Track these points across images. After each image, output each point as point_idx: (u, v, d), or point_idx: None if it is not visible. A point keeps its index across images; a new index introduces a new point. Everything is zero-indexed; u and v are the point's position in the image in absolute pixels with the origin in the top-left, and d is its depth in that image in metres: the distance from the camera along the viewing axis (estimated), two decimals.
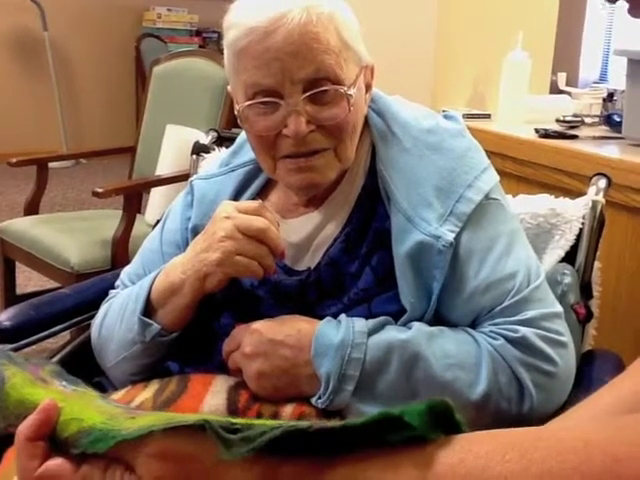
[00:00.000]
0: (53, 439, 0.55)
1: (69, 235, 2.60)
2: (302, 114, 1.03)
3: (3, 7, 5.78)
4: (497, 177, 1.14)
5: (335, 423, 0.50)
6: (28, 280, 3.30)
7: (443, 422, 0.50)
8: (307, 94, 1.03)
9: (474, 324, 1.07)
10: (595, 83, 4.70)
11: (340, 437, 0.49)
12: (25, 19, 5.89)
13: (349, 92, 1.05)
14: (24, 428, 0.55)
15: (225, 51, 1.09)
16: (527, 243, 1.14)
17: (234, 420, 0.52)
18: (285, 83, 1.02)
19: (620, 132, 2.00)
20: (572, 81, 3.91)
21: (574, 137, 2.01)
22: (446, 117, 1.18)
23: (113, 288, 1.28)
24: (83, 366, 1.14)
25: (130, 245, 2.50)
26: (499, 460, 0.45)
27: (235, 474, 0.49)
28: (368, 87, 1.13)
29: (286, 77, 1.02)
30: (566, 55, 5.15)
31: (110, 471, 0.53)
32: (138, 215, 2.69)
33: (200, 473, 0.50)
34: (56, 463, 0.54)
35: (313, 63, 1.02)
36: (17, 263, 2.81)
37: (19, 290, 2.89)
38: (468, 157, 1.11)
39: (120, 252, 2.50)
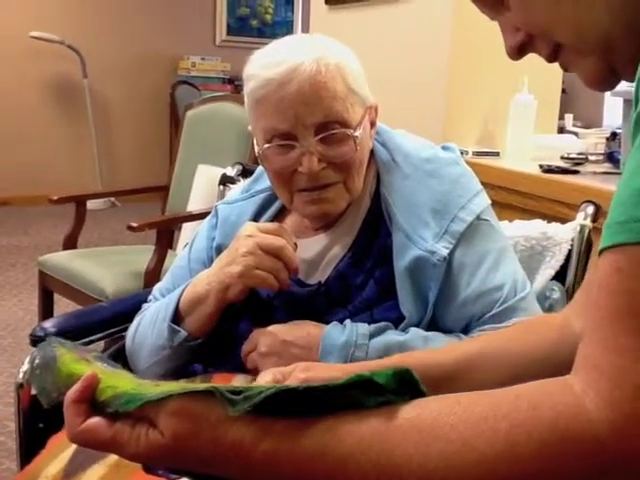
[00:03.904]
0: (93, 402, 0.69)
1: (104, 267, 2.73)
2: (314, 154, 1.17)
3: (47, 55, 6.05)
4: (489, 201, 1.26)
5: (320, 384, 0.63)
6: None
7: (410, 390, 0.62)
8: (319, 137, 1.17)
9: (465, 330, 1.18)
10: (618, 129, 4.77)
11: (325, 395, 0.62)
12: (66, 67, 6.14)
13: (355, 134, 1.18)
14: (71, 393, 0.69)
15: (245, 99, 1.23)
16: (515, 259, 1.25)
17: (237, 386, 0.65)
18: (299, 127, 1.16)
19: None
20: (595, 127, 4.01)
21: (576, 172, 2.10)
22: (444, 148, 1.31)
23: (146, 302, 1.41)
24: None
25: (161, 277, 2.62)
26: (447, 413, 0.58)
27: (237, 429, 0.62)
28: (373, 124, 1.27)
29: (299, 122, 1.16)
30: (586, 101, 5.27)
31: (137, 427, 0.65)
32: (169, 251, 2.83)
33: (209, 428, 0.62)
34: (95, 420, 0.68)
35: (323, 109, 1.16)
36: (55, 295, 2.96)
37: None
38: (461, 182, 1.24)
39: (152, 283, 2.55)
